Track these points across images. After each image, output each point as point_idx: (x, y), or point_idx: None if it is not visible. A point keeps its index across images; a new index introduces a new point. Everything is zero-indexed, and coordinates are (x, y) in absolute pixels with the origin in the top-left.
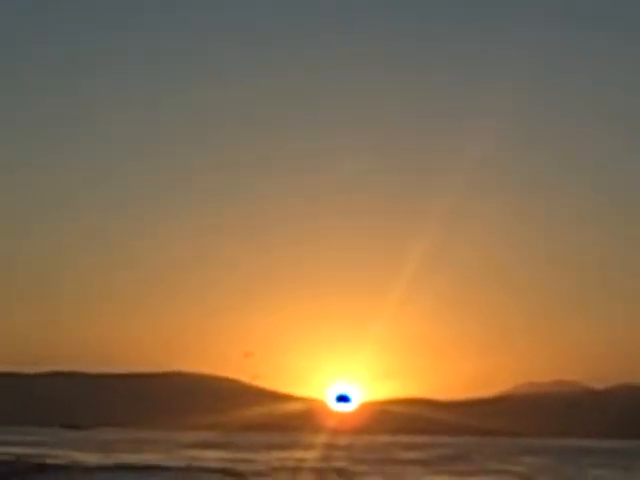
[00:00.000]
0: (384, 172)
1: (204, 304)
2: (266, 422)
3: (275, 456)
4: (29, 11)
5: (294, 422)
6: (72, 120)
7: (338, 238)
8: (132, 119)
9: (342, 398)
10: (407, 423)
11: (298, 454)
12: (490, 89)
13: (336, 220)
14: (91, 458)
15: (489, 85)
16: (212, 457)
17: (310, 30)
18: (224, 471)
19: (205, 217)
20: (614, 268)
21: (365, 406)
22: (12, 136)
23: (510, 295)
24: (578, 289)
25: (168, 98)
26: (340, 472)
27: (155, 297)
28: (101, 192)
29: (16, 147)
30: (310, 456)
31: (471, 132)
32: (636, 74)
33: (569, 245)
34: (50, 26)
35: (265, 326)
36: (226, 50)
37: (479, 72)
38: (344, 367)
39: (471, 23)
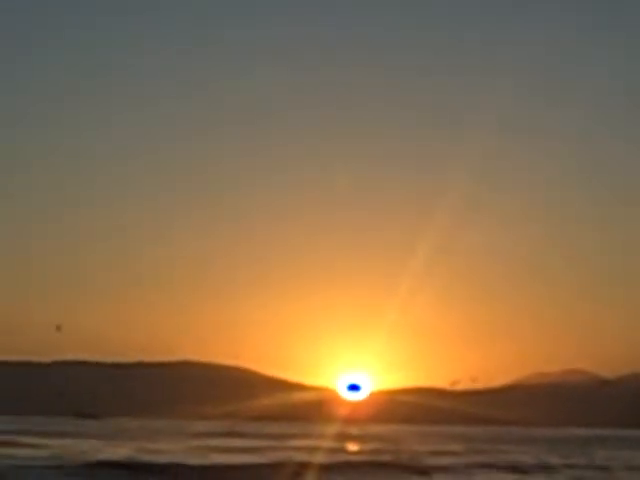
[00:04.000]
0: (394, 164)
1: (215, 293)
2: (278, 411)
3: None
4: (29, 11)
5: (306, 411)
6: (81, 115)
7: (350, 229)
8: (137, 115)
9: (353, 387)
10: (417, 412)
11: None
12: (497, 82)
13: (347, 211)
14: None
15: (496, 78)
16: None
17: (309, 29)
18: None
19: (220, 209)
20: (625, 256)
21: (376, 395)
22: (13, 135)
23: (520, 285)
24: (588, 277)
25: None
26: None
27: (166, 286)
28: (117, 182)
29: (17, 145)
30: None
31: (481, 124)
32: None
33: (579, 232)
34: (50, 26)
35: (277, 316)
36: (227, 47)
37: (485, 64)
38: (355, 356)
39: (473, 15)
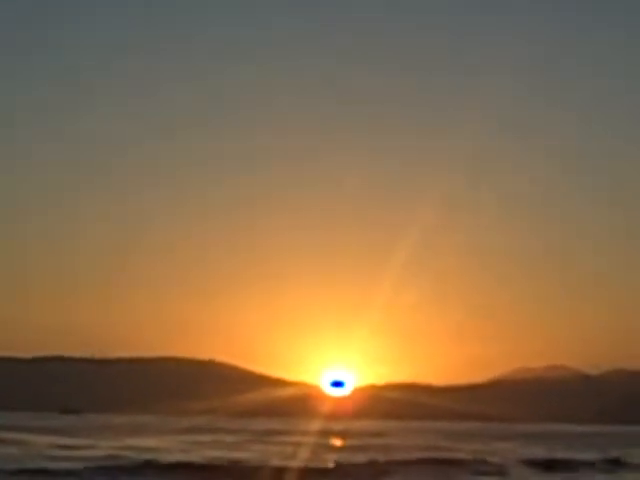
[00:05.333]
0: (376, 162)
1: (197, 288)
2: (261, 407)
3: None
4: (29, 11)
5: (288, 407)
6: (81, 115)
7: (332, 226)
8: (137, 115)
9: (336, 383)
10: (401, 408)
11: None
12: (483, 81)
13: (330, 208)
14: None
15: (482, 77)
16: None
17: (309, 29)
18: None
19: (203, 205)
20: (609, 253)
21: (359, 391)
22: (13, 135)
23: (503, 280)
24: (572, 274)
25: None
26: None
27: (150, 282)
28: (104, 176)
29: (17, 145)
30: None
31: (464, 123)
32: None
33: (562, 230)
34: (50, 26)
35: (260, 311)
36: (225, 46)
37: (485, 64)
38: (338, 352)
39: (472, 15)
